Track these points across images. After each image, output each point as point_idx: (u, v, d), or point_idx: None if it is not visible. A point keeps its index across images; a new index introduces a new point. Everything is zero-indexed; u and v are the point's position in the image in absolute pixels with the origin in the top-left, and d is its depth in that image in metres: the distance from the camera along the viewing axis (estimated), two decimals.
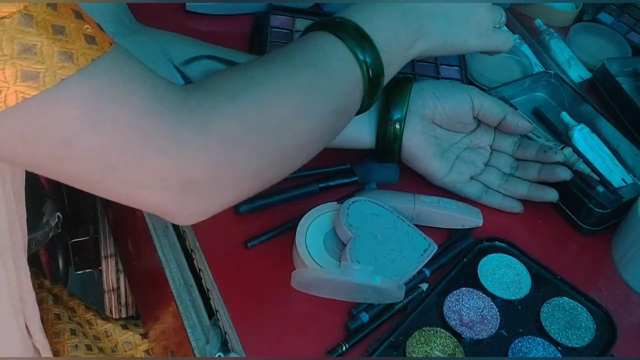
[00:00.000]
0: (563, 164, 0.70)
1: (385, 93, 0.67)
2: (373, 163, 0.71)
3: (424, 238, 0.64)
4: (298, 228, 0.63)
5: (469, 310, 0.62)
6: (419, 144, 0.68)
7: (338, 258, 0.62)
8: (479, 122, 0.71)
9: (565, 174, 0.69)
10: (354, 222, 0.63)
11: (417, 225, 0.66)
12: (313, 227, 0.63)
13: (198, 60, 0.66)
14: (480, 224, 0.69)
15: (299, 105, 0.51)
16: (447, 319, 0.61)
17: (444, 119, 0.68)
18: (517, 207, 0.71)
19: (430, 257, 0.63)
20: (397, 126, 0.66)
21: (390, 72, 0.59)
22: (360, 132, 0.67)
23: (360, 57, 0.55)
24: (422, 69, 0.84)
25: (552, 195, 0.70)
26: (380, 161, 0.70)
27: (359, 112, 0.58)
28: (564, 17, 0.96)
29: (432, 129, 0.69)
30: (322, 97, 0.53)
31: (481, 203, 0.71)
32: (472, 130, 0.71)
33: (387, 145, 0.67)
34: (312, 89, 0.53)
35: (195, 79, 0.65)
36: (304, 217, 0.64)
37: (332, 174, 0.71)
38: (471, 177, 0.71)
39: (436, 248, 0.64)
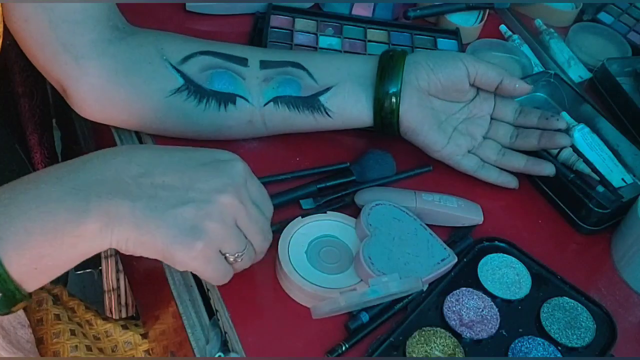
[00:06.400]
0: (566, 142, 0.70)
1: (380, 68, 0.67)
2: (369, 160, 0.71)
3: (445, 248, 0.64)
4: (279, 252, 0.61)
5: (469, 311, 0.62)
6: (415, 116, 0.67)
7: (328, 271, 0.61)
8: (477, 90, 0.71)
9: (565, 141, 0.69)
10: (373, 222, 0.63)
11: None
12: (293, 246, 0.62)
13: (194, 57, 0.66)
14: (481, 221, 0.69)
15: None
16: (447, 319, 0.61)
17: (439, 89, 0.68)
18: (513, 182, 0.71)
19: (447, 267, 0.63)
20: (394, 100, 0.66)
21: (44, 269, 0.48)
22: (359, 109, 0.68)
23: None
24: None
25: (548, 169, 0.70)
26: (381, 135, 0.70)
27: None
28: (564, 17, 0.96)
29: (428, 101, 0.68)
30: None
31: (477, 177, 0.71)
32: (471, 98, 0.71)
33: (385, 120, 0.67)
34: None
35: (193, 76, 0.65)
36: (280, 240, 0.62)
37: (329, 174, 0.71)
38: (469, 151, 0.71)
39: (455, 259, 0.63)
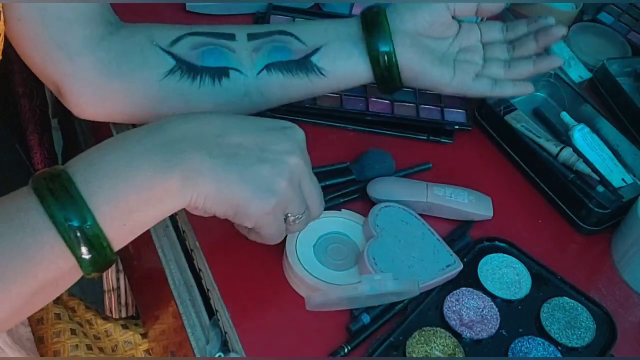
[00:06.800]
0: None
1: (364, 23, 0.67)
2: (368, 159, 0.71)
3: (451, 254, 0.63)
4: (287, 243, 0.62)
5: (469, 310, 0.62)
6: (412, 58, 0.67)
7: (333, 267, 0.62)
8: (459, 24, 0.71)
9: (561, 31, 0.70)
10: (380, 223, 0.63)
11: (425, 216, 0.66)
12: (302, 239, 0.63)
13: (183, 38, 0.66)
14: (490, 216, 0.69)
15: None
16: (447, 319, 0.61)
17: (426, 26, 0.68)
18: (530, 88, 0.71)
19: (452, 274, 0.63)
20: (386, 57, 0.66)
21: (131, 229, 0.50)
22: (353, 65, 0.68)
23: (67, 223, 0.46)
24: None
25: (557, 61, 0.71)
26: (384, 92, 0.71)
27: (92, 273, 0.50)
28: (564, 17, 0.96)
29: (420, 41, 0.68)
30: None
31: (494, 96, 0.71)
32: (456, 33, 0.71)
33: (385, 75, 0.67)
34: None
35: (184, 56, 0.66)
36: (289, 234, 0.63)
37: (328, 174, 0.71)
38: (476, 75, 0.70)
39: (461, 266, 0.63)
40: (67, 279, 0.49)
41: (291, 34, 0.68)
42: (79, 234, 0.46)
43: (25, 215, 0.47)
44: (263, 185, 0.52)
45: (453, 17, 0.69)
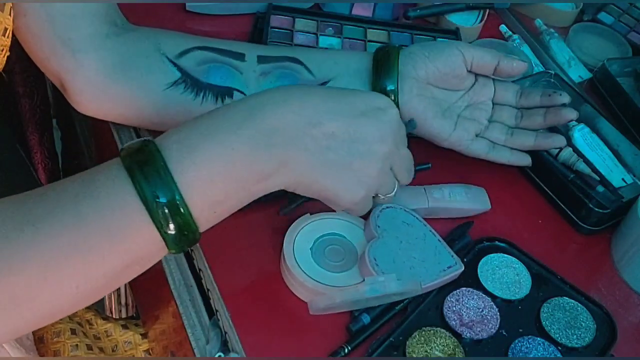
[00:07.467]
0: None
1: (375, 63, 0.67)
2: None
3: (452, 256, 0.63)
4: (284, 246, 0.62)
5: (469, 310, 0.62)
6: (416, 107, 0.67)
7: (331, 269, 0.62)
8: (476, 77, 0.71)
9: (572, 114, 0.70)
10: (382, 224, 0.63)
11: (426, 218, 0.66)
12: (299, 242, 0.63)
13: (191, 51, 0.66)
14: (489, 209, 0.70)
15: (49, 274, 0.45)
16: (447, 319, 0.61)
17: (438, 76, 0.68)
18: (526, 160, 0.72)
19: (453, 275, 0.62)
20: (392, 97, 0.66)
21: (220, 211, 0.51)
22: None
23: (157, 201, 0.46)
24: None
25: (559, 141, 0.70)
26: None
27: (177, 252, 0.50)
28: (564, 17, 0.96)
29: (428, 91, 0.68)
30: (84, 261, 0.46)
31: (489, 159, 0.71)
32: (470, 86, 0.71)
33: None
34: (71, 250, 0.45)
35: (190, 70, 0.65)
36: (286, 235, 0.63)
37: None
38: (476, 135, 0.71)
39: (462, 268, 0.63)
40: (154, 255, 0.50)
41: (301, 63, 0.68)
42: (167, 211, 0.47)
43: (112, 184, 0.47)
44: (354, 178, 0.53)
45: (469, 71, 0.69)
